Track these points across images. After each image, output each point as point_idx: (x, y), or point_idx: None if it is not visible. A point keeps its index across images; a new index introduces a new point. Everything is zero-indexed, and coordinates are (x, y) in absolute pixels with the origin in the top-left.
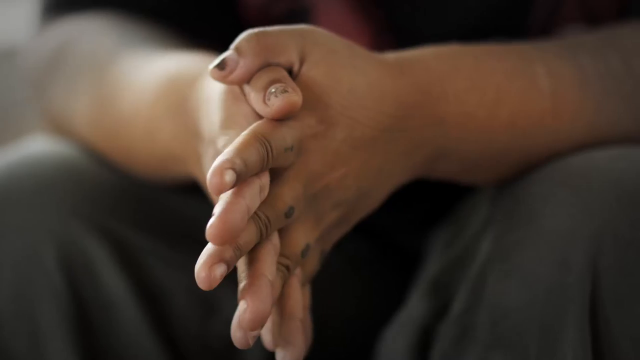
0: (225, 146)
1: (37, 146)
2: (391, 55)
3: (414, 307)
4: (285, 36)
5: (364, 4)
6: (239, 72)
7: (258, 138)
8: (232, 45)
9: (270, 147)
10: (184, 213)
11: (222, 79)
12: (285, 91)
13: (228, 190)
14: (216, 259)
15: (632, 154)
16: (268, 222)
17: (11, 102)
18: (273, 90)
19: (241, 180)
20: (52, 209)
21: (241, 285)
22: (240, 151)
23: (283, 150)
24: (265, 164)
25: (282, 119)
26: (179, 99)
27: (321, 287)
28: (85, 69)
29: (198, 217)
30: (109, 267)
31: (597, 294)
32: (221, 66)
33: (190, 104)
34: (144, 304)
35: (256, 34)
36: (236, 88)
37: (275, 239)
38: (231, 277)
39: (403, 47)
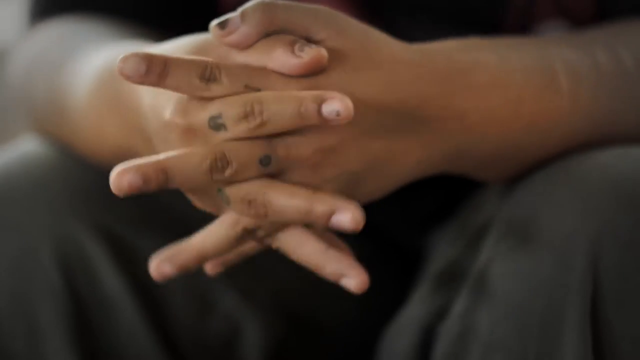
0: (176, 116)
1: (28, 147)
2: (415, 45)
3: (415, 307)
4: (297, 12)
5: None
6: (236, 36)
7: (208, 63)
8: (240, 9)
9: (220, 72)
10: (181, 210)
11: (220, 38)
12: (316, 46)
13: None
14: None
15: (632, 154)
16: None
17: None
18: (302, 44)
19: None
20: (49, 208)
21: None
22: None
23: (242, 87)
24: (209, 86)
25: (309, 73)
26: (114, 93)
27: (321, 287)
28: (47, 72)
29: (195, 214)
30: (107, 265)
31: (598, 295)
32: (222, 25)
33: (126, 98)
34: (142, 301)
35: (265, 4)
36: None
37: None
38: (228, 275)
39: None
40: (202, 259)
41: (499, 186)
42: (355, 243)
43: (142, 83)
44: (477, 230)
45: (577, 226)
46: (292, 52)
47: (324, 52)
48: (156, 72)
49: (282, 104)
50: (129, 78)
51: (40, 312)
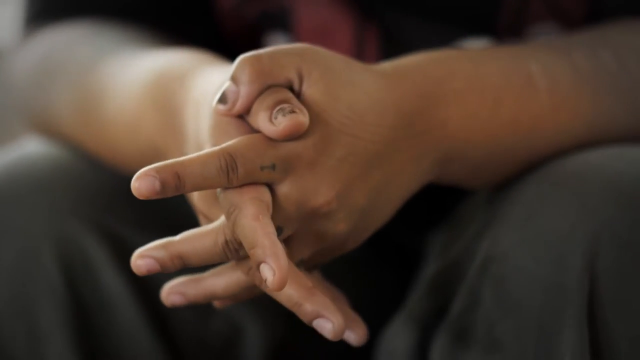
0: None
1: (35, 146)
2: (387, 65)
3: (414, 307)
4: (281, 57)
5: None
6: (241, 102)
7: (220, 154)
8: (228, 75)
9: (236, 164)
10: (182, 211)
11: (227, 113)
12: (292, 111)
13: (144, 194)
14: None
15: (629, 154)
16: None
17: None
18: (280, 109)
19: (169, 191)
20: (50, 209)
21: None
22: (187, 164)
23: (259, 169)
24: (229, 179)
25: (288, 139)
26: (167, 94)
27: None
28: (71, 74)
29: (195, 216)
30: (108, 265)
31: (595, 295)
32: (223, 101)
33: (176, 101)
34: (142, 302)
35: (249, 59)
36: None
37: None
38: None
39: (385, 39)
40: (212, 297)
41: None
42: None
43: (162, 197)
44: (474, 231)
45: (575, 225)
46: (270, 118)
47: (298, 119)
48: (172, 184)
49: (246, 231)
50: (148, 197)
51: (41, 313)
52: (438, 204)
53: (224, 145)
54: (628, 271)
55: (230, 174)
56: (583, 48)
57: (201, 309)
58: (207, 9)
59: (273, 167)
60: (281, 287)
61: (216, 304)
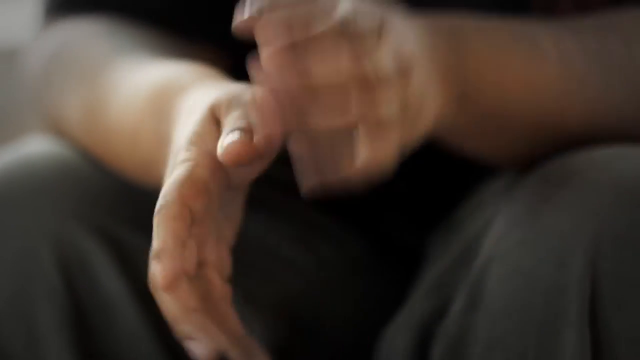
0: (183, 161)
1: (35, 147)
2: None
3: (414, 307)
4: None
5: None
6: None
7: None
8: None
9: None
10: None
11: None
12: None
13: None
14: None
15: (631, 153)
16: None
17: (11, 102)
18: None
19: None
20: (49, 210)
21: None
22: None
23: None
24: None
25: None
26: (166, 106)
27: (321, 287)
28: (79, 74)
29: None
30: (107, 267)
31: (597, 295)
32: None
33: (173, 112)
34: (142, 304)
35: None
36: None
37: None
38: (230, 278)
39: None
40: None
41: (497, 186)
42: (355, 243)
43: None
44: (475, 230)
45: (576, 225)
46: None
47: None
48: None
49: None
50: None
51: (39, 314)
52: (438, 204)
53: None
54: (629, 270)
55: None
56: (593, 31)
57: None
58: (227, 13)
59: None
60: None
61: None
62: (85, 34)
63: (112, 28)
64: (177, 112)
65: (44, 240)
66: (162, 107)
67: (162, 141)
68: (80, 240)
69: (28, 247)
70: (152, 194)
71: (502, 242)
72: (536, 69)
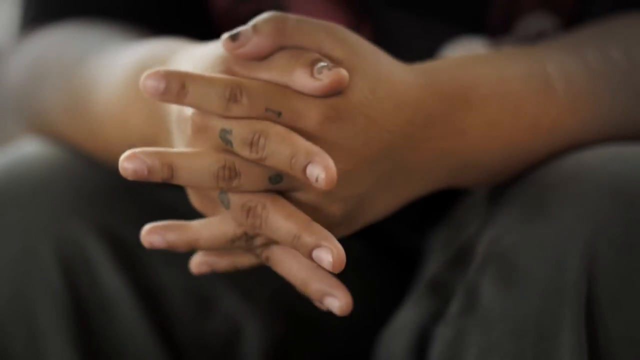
0: (195, 114)
1: (33, 147)
2: (418, 65)
3: (411, 309)
4: (309, 26)
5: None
6: (249, 47)
7: (228, 80)
8: (251, 22)
9: (242, 94)
10: (181, 211)
11: (231, 50)
12: (335, 67)
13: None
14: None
15: (626, 154)
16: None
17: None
18: (324, 66)
19: (171, 96)
20: (49, 208)
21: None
22: (195, 79)
23: (263, 109)
24: (227, 108)
25: (329, 94)
26: None
27: None
28: (58, 73)
29: (195, 214)
30: (107, 265)
31: (593, 297)
32: (234, 38)
33: None
34: (142, 302)
35: (277, 17)
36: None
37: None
38: (228, 275)
39: (379, 37)
40: (193, 244)
41: (493, 187)
42: (355, 243)
43: (163, 100)
44: (472, 232)
45: (572, 227)
46: (311, 74)
47: (343, 73)
48: (174, 90)
49: (281, 146)
50: (150, 96)
51: (40, 313)
52: (438, 204)
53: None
54: (626, 273)
55: (230, 102)
56: (594, 46)
57: (201, 309)
58: (201, 10)
59: (279, 114)
60: (342, 265)
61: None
62: (62, 37)
63: (86, 27)
64: None
65: (43, 238)
66: None
67: (154, 119)
68: (80, 237)
69: (28, 246)
70: (152, 191)
71: (498, 245)
72: (546, 106)
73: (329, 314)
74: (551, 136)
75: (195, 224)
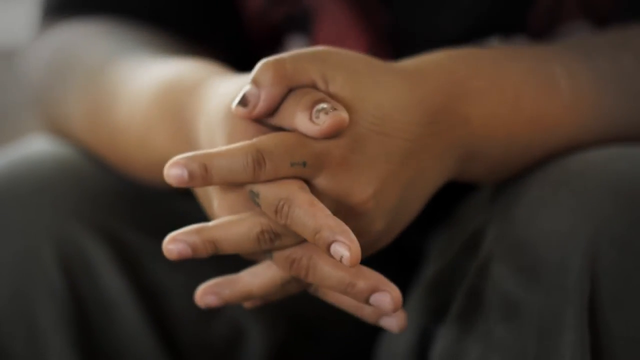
0: None
1: (37, 146)
2: (409, 63)
3: (413, 308)
4: (304, 61)
5: (367, 9)
6: (262, 105)
7: (247, 150)
8: (249, 78)
9: (264, 160)
10: (183, 213)
11: (247, 116)
12: (334, 109)
13: (173, 181)
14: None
15: (629, 154)
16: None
17: (10, 102)
18: (321, 108)
19: (197, 181)
20: (51, 209)
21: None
22: (215, 157)
23: (288, 165)
24: (255, 175)
25: (330, 137)
26: (176, 106)
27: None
28: (82, 75)
29: (197, 217)
30: (108, 267)
31: (596, 296)
32: (243, 103)
33: (187, 112)
34: (143, 303)
35: (272, 63)
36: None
37: None
38: None
39: (400, 56)
40: (248, 297)
41: (496, 186)
42: None
43: (192, 186)
44: (474, 231)
45: (575, 226)
46: (310, 117)
47: (341, 116)
48: (198, 174)
49: (305, 218)
50: (178, 184)
51: (40, 313)
52: (438, 204)
53: (253, 140)
54: (628, 272)
55: (256, 169)
56: (604, 50)
57: (203, 311)
58: (233, 13)
59: (304, 164)
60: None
61: (246, 304)
62: (86, 35)
63: (113, 28)
64: (194, 115)
65: (45, 239)
66: (172, 107)
67: (179, 144)
68: (81, 238)
69: (29, 246)
70: (154, 193)
71: (501, 244)
72: (547, 104)
73: (330, 316)
74: (551, 133)
75: (244, 275)
